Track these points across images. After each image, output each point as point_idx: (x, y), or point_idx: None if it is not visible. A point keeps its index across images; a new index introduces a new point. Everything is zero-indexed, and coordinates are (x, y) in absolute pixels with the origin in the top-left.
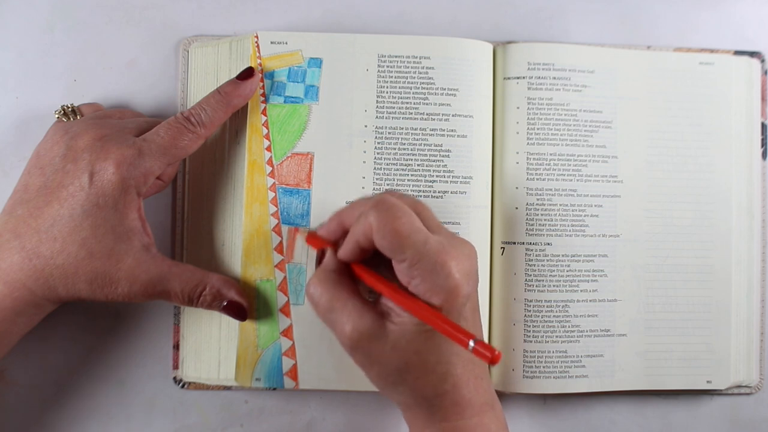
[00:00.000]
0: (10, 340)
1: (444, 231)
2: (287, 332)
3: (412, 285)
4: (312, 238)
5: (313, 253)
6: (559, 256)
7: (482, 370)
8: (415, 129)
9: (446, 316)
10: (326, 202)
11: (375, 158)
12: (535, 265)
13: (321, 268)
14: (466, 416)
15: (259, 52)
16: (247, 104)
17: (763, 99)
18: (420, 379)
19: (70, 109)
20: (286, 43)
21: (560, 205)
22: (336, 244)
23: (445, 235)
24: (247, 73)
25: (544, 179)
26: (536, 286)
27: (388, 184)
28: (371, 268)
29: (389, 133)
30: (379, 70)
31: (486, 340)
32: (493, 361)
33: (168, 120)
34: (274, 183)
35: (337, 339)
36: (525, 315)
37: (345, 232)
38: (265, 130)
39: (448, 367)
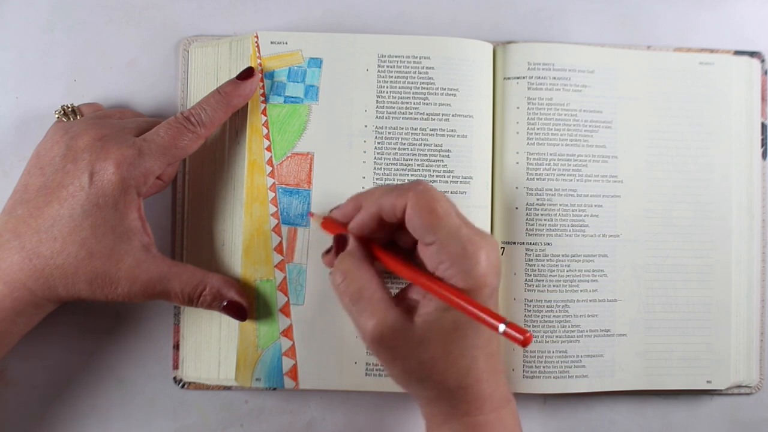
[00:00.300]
0: (10, 340)
1: (472, 225)
2: (287, 332)
3: (440, 269)
4: (328, 222)
5: (314, 253)
6: (559, 256)
7: (501, 364)
8: (415, 129)
9: None
10: (326, 202)
11: (375, 158)
12: (535, 265)
13: (345, 256)
14: (486, 411)
15: (259, 52)
16: (247, 104)
17: (763, 99)
18: (444, 372)
19: (70, 109)
20: (286, 43)
21: (560, 205)
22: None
23: (474, 228)
24: (247, 73)
25: (544, 179)
26: (536, 286)
27: (388, 184)
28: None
29: (389, 133)
30: (379, 70)
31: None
32: (525, 343)
33: (168, 120)
34: (274, 183)
35: (358, 332)
36: (525, 315)
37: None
38: (265, 130)
39: (471, 361)
